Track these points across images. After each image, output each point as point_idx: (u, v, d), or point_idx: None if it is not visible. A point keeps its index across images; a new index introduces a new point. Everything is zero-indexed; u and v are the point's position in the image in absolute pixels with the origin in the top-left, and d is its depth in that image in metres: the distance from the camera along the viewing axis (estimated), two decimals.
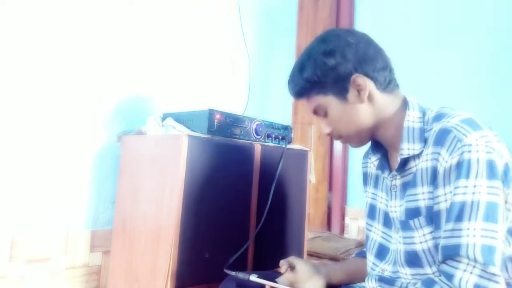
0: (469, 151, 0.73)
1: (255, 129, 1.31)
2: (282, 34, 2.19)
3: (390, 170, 0.92)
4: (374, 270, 0.93)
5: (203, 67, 1.75)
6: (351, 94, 0.85)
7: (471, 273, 0.70)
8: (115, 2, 1.44)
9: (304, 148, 1.47)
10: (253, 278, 0.92)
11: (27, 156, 1.24)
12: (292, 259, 0.97)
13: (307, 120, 2.19)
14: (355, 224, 2.10)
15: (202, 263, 1.11)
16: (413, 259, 0.83)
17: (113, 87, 1.44)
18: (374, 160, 0.97)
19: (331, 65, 0.85)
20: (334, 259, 1.63)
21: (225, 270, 0.98)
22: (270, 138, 1.37)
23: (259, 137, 1.32)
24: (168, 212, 1.09)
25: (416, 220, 0.82)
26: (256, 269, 1.25)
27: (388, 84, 0.87)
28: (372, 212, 1.00)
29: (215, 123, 1.20)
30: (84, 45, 1.36)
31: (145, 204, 1.19)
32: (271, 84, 2.10)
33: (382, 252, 0.93)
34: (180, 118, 1.27)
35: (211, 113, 1.19)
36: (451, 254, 0.72)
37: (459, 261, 0.71)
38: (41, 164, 1.27)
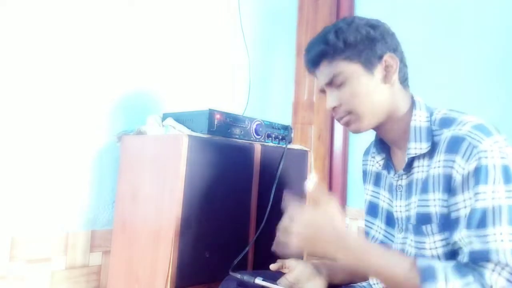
0: (486, 157, 0.73)
1: (255, 129, 1.31)
2: (282, 34, 2.19)
3: (395, 170, 0.92)
4: None
5: (203, 67, 1.75)
6: (378, 70, 0.85)
7: (499, 274, 0.69)
8: (115, 2, 1.44)
9: (304, 148, 1.47)
10: (259, 281, 0.92)
11: (27, 156, 1.24)
12: (291, 261, 0.97)
13: (307, 120, 2.19)
14: (355, 224, 2.10)
15: (202, 263, 1.11)
16: None
17: (113, 87, 1.44)
18: (379, 159, 0.97)
19: (372, 36, 0.84)
20: (334, 259, 1.63)
21: (230, 273, 0.98)
22: (270, 138, 1.37)
23: (259, 137, 1.32)
24: (168, 212, 1.09)
25: (428, 226, 0.82)
26: (256, 269, 1.25)
27: (405, 80, 0.89)
28: (373, 210, 1.01)
29: (215, 123, 1.20)
30: (84, 45, 1.36)
31: (145, 204, 1.19)
32: (271, 84, 2.10)
33: None
34: (180, 118, 1.27)
35: (211, 113, 1.19)
36: (481, 258, 0.71)
37: (487, 266, 0.70)
38: (41, 164, 1.27)
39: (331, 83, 0.87)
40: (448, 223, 0.78)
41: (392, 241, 0.93)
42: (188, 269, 1.08)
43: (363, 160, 1.08)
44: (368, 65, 0.84)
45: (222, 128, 1.22)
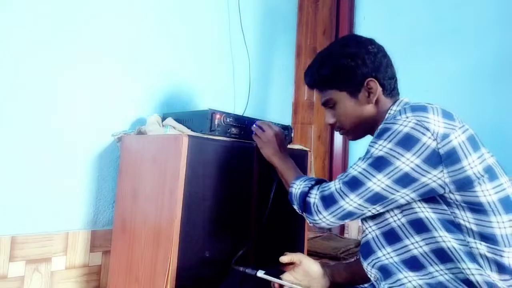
0: (393, 123, 0.82)
1: None
2: (282, 34, 2.19)
3: None
4: None
5: (203, 67, 1.75)
6: (362, 94, 0.97)
7: (334, 184, 0.88)
8: (115, 2, 1.44)
9: (304, 148, 1.47)
10: (260, 274, 0.93)
11: (27, 156, 1.24)
12: (299, 255, 1.00)
13: (307, 120, 2.19)
14: (355, 224, 2.10)
15: (202, 263, 1.11)
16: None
17: (113, 87, 1.43)
18: None
19: (350, 66, 0.96)
20: (334, 258, 1.63)
21: (233, 266, 1.00)
22: None
23: None
24: (168, 212, 1.09)
25: None
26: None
27: (391, 91, 0.99)
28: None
29: (215, 123, 1.20)
30: (84, 44, 1.36)
31: (145, 204, 1.19)
32: (271, 84, 2.10)
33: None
34: (180, 118, 1.27)
35: (211, 113, 1.19)
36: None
37: (335, 181, 0.89)
38: (41, 164, 1.27)
39: (325, 105, 1.04)
40: None
41: None
42: (188, 269, 1.08)
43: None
44: (352, 91, 0.98)
45: (222, 128, 1.22)
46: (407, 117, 0.80)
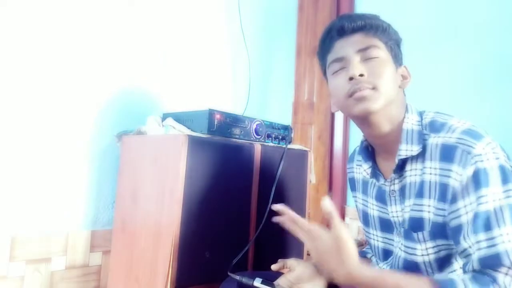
0: (482, 161, 0.74)
1: (255, 129, 1.31)
2: (282, 34, 2.19)
3: (384, 177, 0.92)
4: None
5: (203, 67, 1.75)
6: (399, 73, 0.89)
7: None
8: (115, 2, 1.44)
9: (304, 148, 1.47)
10: (257, 283, 0.92)
11: (27, 156, 1.24)
12: (292, 261, 0.96)
13: (307, 120, 2.19)
14: (355, 224, 2.10)
15: (202, 263, 1.11)
16: (411, 268, 0.84)
17: (113, 87, 1.44)
18: (366, 168, 0.96)
19: (400, 41, 0.91)
20: None
21: (229, 274, 0.98)
22: (270, 138, 1.36)
23: (259, 137, 1.32)
24: (168, 212, 1.09)
25: (420, 233, 0.82)
26: (256, 269, 1.25)
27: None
28: (365, 219, 1.01)
29: (215, 123, 1.20)
30: (84, 44, 1.36)
31: (145, 204, 1.19)
32: (271, 84, 2.10)
33: (388, 255, 0.94)
34: (180, 118, 1.27)
35: (211, 113, 1.19)
36: (493, 264, 0.71)
37: (500, 270, 0.70)
38: (41, 164, 1.27)
39: (363, 52, 0.85)
40: (441, 231, 0.79)
41: (393, 246, 0.92)
42: (188, 269, 1.08)
43: (348, 168, 1.08)
44: (396, 61, 0.89)
45: (222, 128, 1.22)
46: (483, 149, 0.75)
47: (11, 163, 1.21)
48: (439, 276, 0.78)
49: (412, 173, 0.84)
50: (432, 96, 1.73)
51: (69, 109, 1.33)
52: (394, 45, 0.89)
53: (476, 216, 0.73)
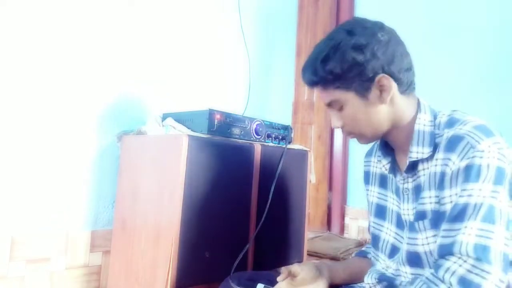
0: (481, 157, 0.74)
1: (255, 129, 1.31)
2: (282, 34, 2.19)
3: (401, 173, 0.92)
4: (384, 269, 0.93)
5: (203, 67, 1.75)
6: (373, 93, 0.82)
7: (460, 265, 0.70)
8: (115, 2, 1.44)
9: (304, 148, 1.47)
10: None
11: (27, 156, 1.24)
12: (295, 266, 0.94)
13: (307, 120, 2.19)
14: (355, 224, 2.10)
15: (202, 263, 1.11)
16: (414, 259, 0.84)
17: (114, 87, 1.43)
18: (385, 163, 0.96)
19: (359, 61, 0.80)
20: (334, 259, 1.63)
21: (231, 284, 0.97)
22: (270, 138, 1.36)
23: (259, 137, 1.32)
24: (168, 212, 1.09)
25: (421, 222, 0.82)
26: (256, 269, 1.25)
27: (409, 86, 0.85)
28: (381, 212, 0.99)
29: (215, 123, 1.20)
30: (84, 45, 1.36)
31: (145, 204, 1.19)
32: (271, 84, 2.10)
33: (394, 252, 0.93)
34: (180, 118, 1.27)
35: (211, 113, 1.19)
36: (445, 252, 0.73)
37: (449, 258, 0.72)
38: (41, 164, 1.27)
39: (329, 106, 0.88)
40: (441, 219, 0.79)
41: (401, 243, 0.92)
42: (188, 269, 1.08)
43: (365, 161, 1.07)
44: (361, 91, 0.82)
45: (222, 128, 1.22)
46: (489, 146, 0.74)
47: (11, 163, 1.21)
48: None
49: (425, 172, 0.85)
50: (432, 96, 1.73)
51: (69, 109, 1.33)
52: (348, 78, 0.81)
53: (454, 207, 0.74)
